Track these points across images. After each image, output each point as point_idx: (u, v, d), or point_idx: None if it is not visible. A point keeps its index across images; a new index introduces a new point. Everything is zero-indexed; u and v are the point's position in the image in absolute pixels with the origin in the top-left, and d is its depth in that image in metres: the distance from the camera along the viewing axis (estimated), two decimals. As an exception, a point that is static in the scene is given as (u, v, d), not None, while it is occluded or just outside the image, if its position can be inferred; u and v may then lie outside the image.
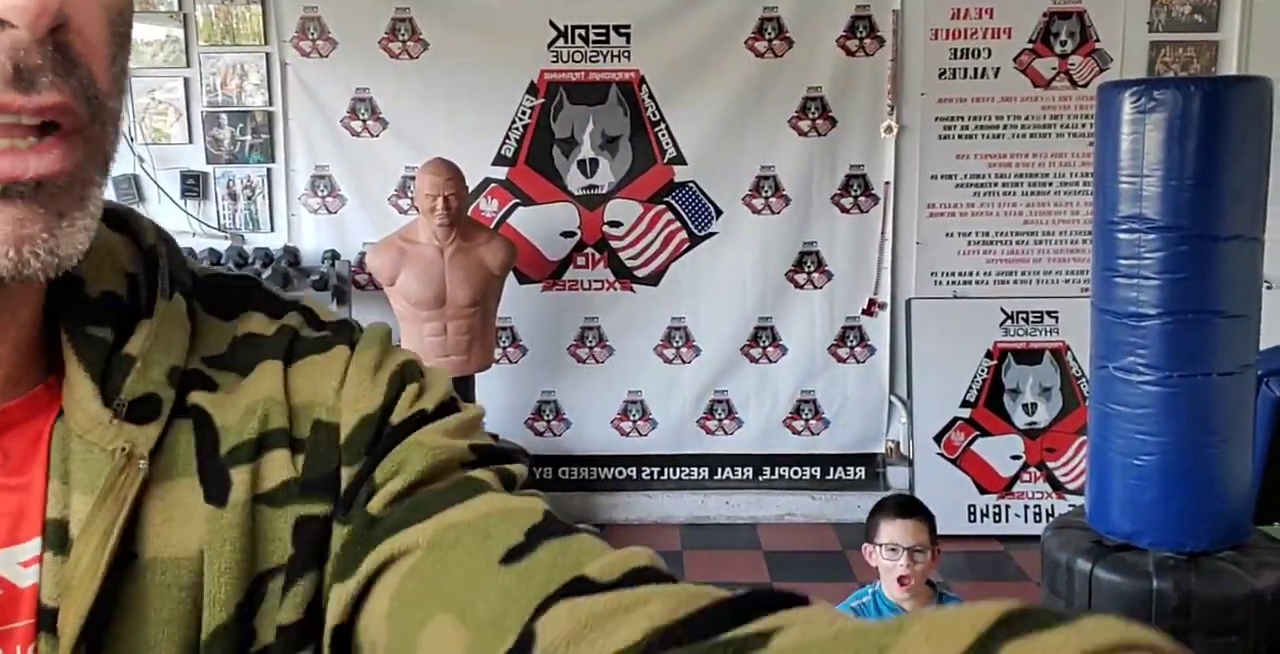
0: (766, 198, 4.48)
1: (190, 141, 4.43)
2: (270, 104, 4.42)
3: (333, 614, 0.57)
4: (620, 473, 4.65)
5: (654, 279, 4.55)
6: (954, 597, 2.77)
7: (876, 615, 2.62)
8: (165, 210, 4.41)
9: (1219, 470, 3.18)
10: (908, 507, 2.77)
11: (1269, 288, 3.27)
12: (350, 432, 0.61)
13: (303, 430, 0.61)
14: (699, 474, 4.65)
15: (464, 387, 4.15)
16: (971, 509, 4.42)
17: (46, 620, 0.53)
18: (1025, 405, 4.44)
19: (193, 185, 4.44)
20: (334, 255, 4.37)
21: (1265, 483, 3.56)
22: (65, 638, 0.52)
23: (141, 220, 0.66)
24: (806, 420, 4.63)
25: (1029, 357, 4.44)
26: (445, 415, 0.64)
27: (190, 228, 4.40)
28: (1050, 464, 4.44)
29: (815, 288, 4.54)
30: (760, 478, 4.62)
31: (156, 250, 0.64)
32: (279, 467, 0.60)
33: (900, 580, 2.60)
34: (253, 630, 0.57)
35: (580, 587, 0.50)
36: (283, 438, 0.61)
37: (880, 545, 2.67)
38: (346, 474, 0.60)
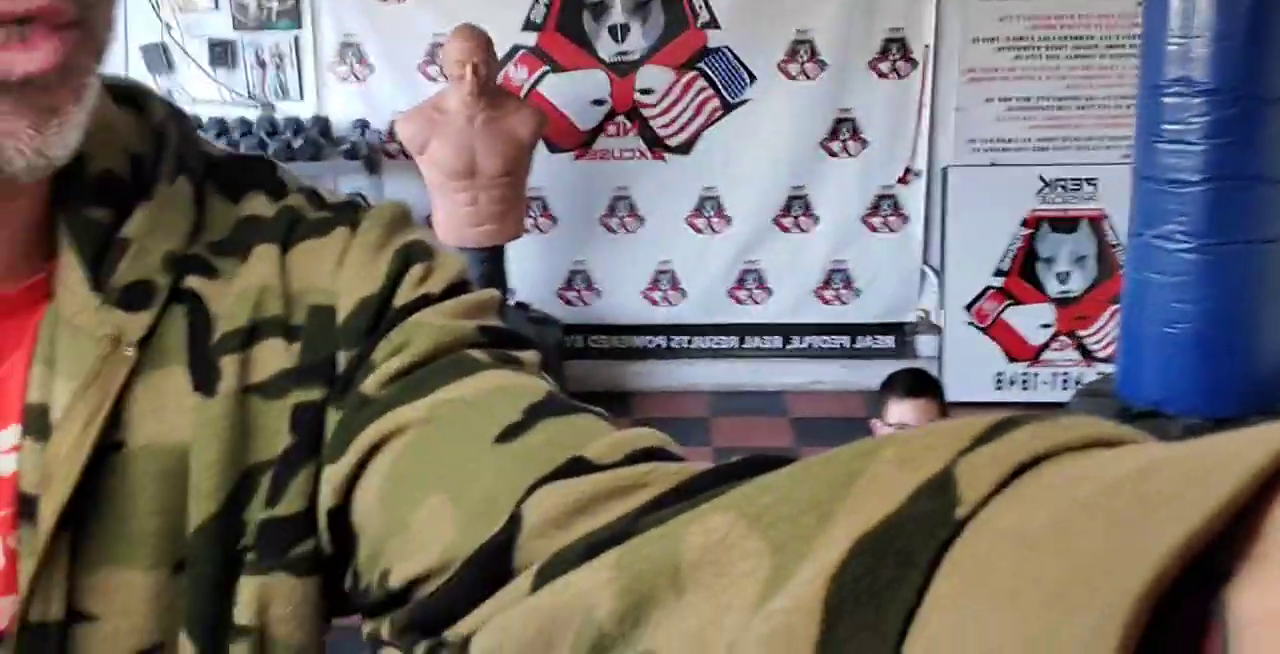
0: (802, 63, 4.38)
1: (216, 8, 4.36)
2: (294, -32, 4.33)
3: (326, 497, 0.55)
4: (650, 342, 4.69)
5: (686, 148, 4.49)
6: None
7: None
8: (195, 79, 4.38)
9: (1253, 338, 3.18)
10: (917, 386, 2.71)
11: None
12: (348, 314, 0.58)
13: (298, 317, 0.58)
14: (728, 343, 4.68)
15: (496, 256, 4.17)
16: (999, 377, 4.45)
17: (26, 509, 0.51)
18: (1059, 274, 4.41)
19: (220, 53, 4.39)
20: (364, 125, 4.34)
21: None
22: (43, 527, 0.50)
23: (151, 96, 0.62)
24: (837, 290, 4.63)
25: (1065, 225, 4.39)
26: (454, 297, 0.60)
27: (221, 96, 4.37)
28: (1081, 333, 4.44)
29: (850, 156, 4.47)
30: (789, 347, 4.65)
31: (165, 129, 0.60)
32: (273, 356, 0.57)
33: None
34: (242, 524, 0.55)
35: (577, 467, 0.46)
36: (278, 326, 0.58)
37: (890, 426, 2.65)
38: (344, 358, 0.57)
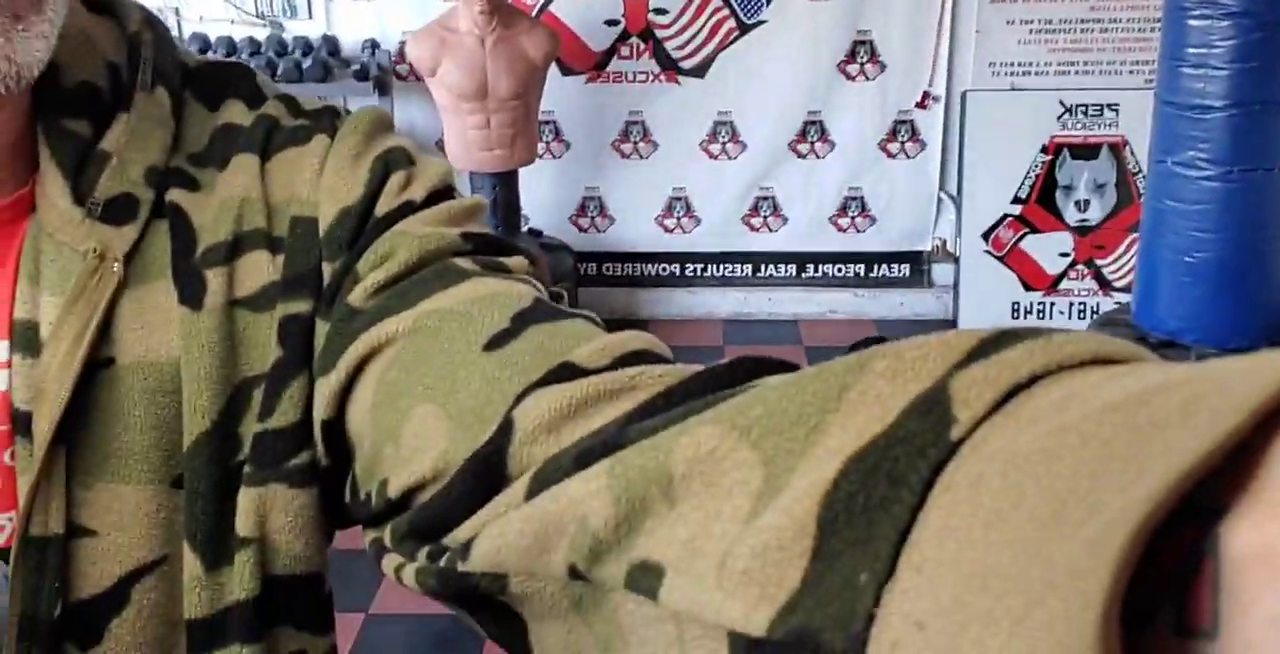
0: (819, -17, 4.29)
1: (220, -76, 4.28)
2: (300, -117, 4.23)
3: (319, 409, 0.55)
4: (664, 269, 4.68)
5: (700, 71, 4.42)
6: None
7: None
8: (199, -1, 4.31)
9: (1272, 268, 3.15)
10: None
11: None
12: (330, 224, 0.58)
13: (281, 229, 0.58)
14: (742, 271, 4.66)
15: (508, 182, 4.13)
16: (1015, 306, 4.42)
17: (20, 425, 0.52)
18: (1078, 202, 4.36)
19: (225, -28, 4.30)
20: (374, 45, 4.27)
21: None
22: (38, 442, 0.51)
23: (127, 5, 0.61)
24: (853, 217, 4.59)
25: (1086, 151, 4.33)
26: (436, 204, 0.60)
27: (228, 15, 4.30)
28: (1099, 262, 4.41)
29: (868, 80, 4.40)
30: (804, 275, 4.63)
31: (140, 37, 0.59)
32: (258, 269, 0.57)
33: None
34: (237, 438, 0.56)
35: (566, 373, 0.46)
36: (260, 239, 0.58)
37: None
38: (328, 269, 0.57)
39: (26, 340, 0.52)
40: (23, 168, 0.55)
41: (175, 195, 0.57)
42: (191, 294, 0.55)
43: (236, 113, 0.61)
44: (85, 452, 0.53)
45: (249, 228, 0.58)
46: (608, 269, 4.69)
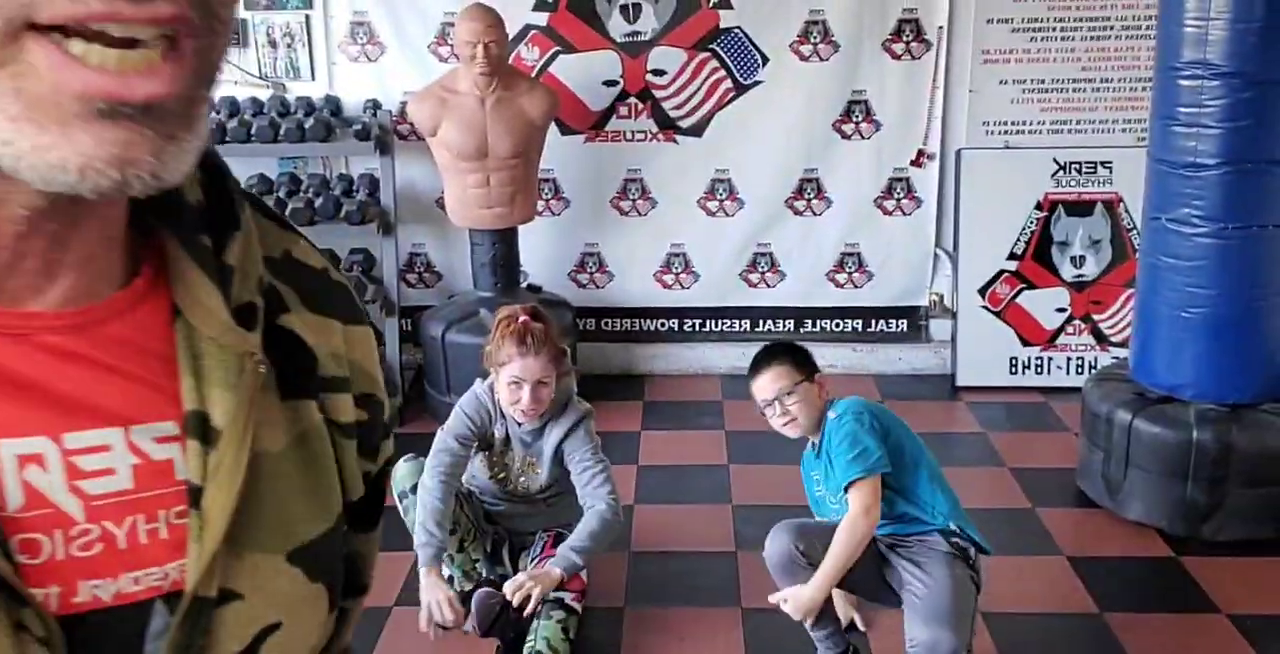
0: (815, 44, 4.35)
1: (226, -12, 4.34)
2: (305, -52, 4.31)
3: None
4: (662, 325, 4.69)
5: (698, 130, 4.47)
6: (837, 417, 2.56)
7: (816, 460, 2.64)
8: (204, 60, 4.36)
9: (1268, 323, 3.16)
10: (758, 361, 2.66)
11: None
12: (389, 415, 0.74)
13: (359, 388, 0.70)
14: (741, 326, 4.68)
15: (508, 239, 4.16)
16: (1013, 361, 4.43)
17: (194, 498, 0.58)
18: (1074, 258, 4.39)
19: (233, 33, 4.36)
20: (375, 105, 4.33)
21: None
22: (214, 518, 0.58)
23: None
24: (850, 273, 4.61)
25: (1080, 208, 4.37)
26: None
27: (232, 76, 4.36)
28: (1096, 317, 4.42)
29: (863, 138, 4.45)
30: (802, 330, 4.64)
31: (215, 155, 0.63)
32: (344, 408, 0.68)
33: (785, 427, 2.60)
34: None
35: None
36: (346, 385, 0.69)
37: (762, 409, 2.62)
38: (383, 447, 0.73)
39: (201, 430, 0.59)
40: (127, 258, 0.60)
41: (283, 318, 0.66)
42: (294, 397, 0.65)
43: (302, 250, 0.70)
44: (241, 526, 0.59)
45: (337, 374, 0.68)
46: (607, 324, 4.70)
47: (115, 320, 0.58)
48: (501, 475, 2.89)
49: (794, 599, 2.48)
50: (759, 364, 2.65)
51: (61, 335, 0.56)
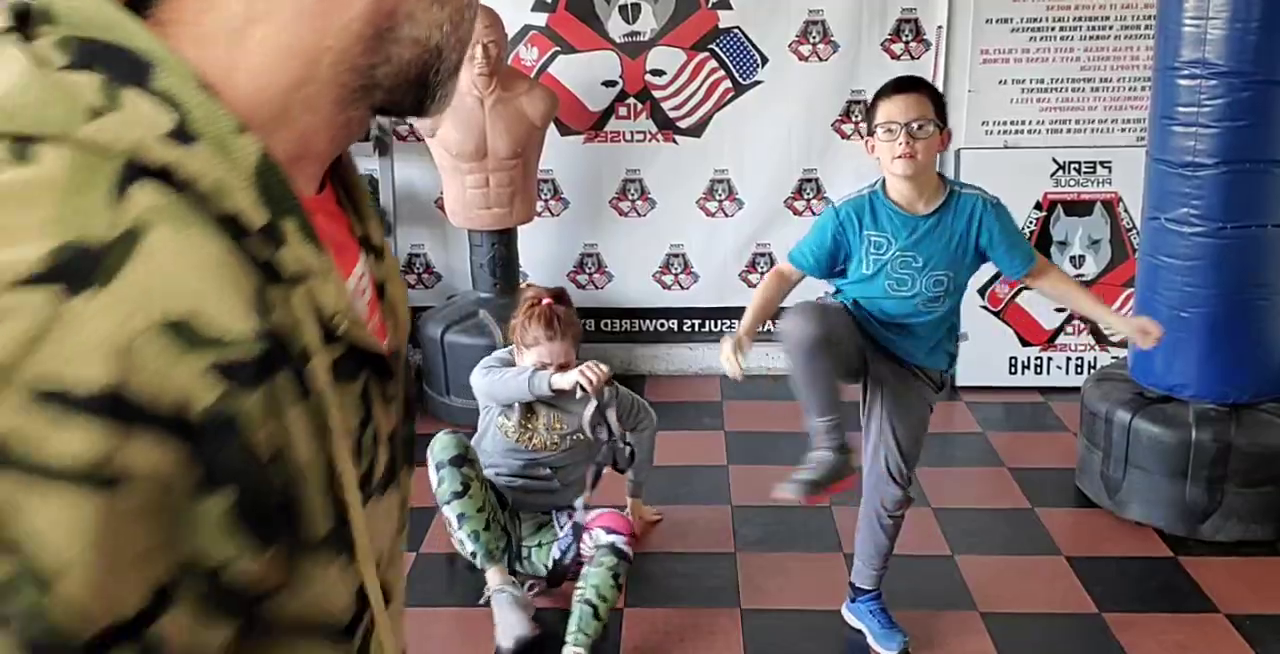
0: (814, 44, 4.36)
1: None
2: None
3: None
4: (662, 325, 4.69)
5: (697, 130, 4.48)
6: (970, 194, 2.53)
7: (870, 217, 2.52)
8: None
9: (1267, 323, 3.16)
10: (901, 84, 2.49)
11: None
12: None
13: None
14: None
15: (506, 240, 4.16)
16: (1013, 361, 4.43)
17: (379, 292, 0.71)
18: (1073, 257, 4.39)
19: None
20: (374, 106, 4.32)
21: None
22: (400, 307, 0.73)
23: None
24: (850, 273, 4.61)
25: (1079, 208, 4.37)
26: None
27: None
28: (1095, 317, 4.42)
29: (862, 138, 4.44)
30: (802, 330, 4.63)
31: None
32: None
33: (899, 158, 2.40)
34: None
35: None
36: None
37: (877, 127, 2.43)
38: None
39: (369, 249, 0.70)
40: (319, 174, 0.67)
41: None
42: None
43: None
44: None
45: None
46: (606, 325, 4.70)
47: (317, 214, 0.66)
48: (529, 434, 2.96)
49: (1152, 325, 2.51)
50: (902, 86, 2.49)
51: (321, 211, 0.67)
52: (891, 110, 2.43)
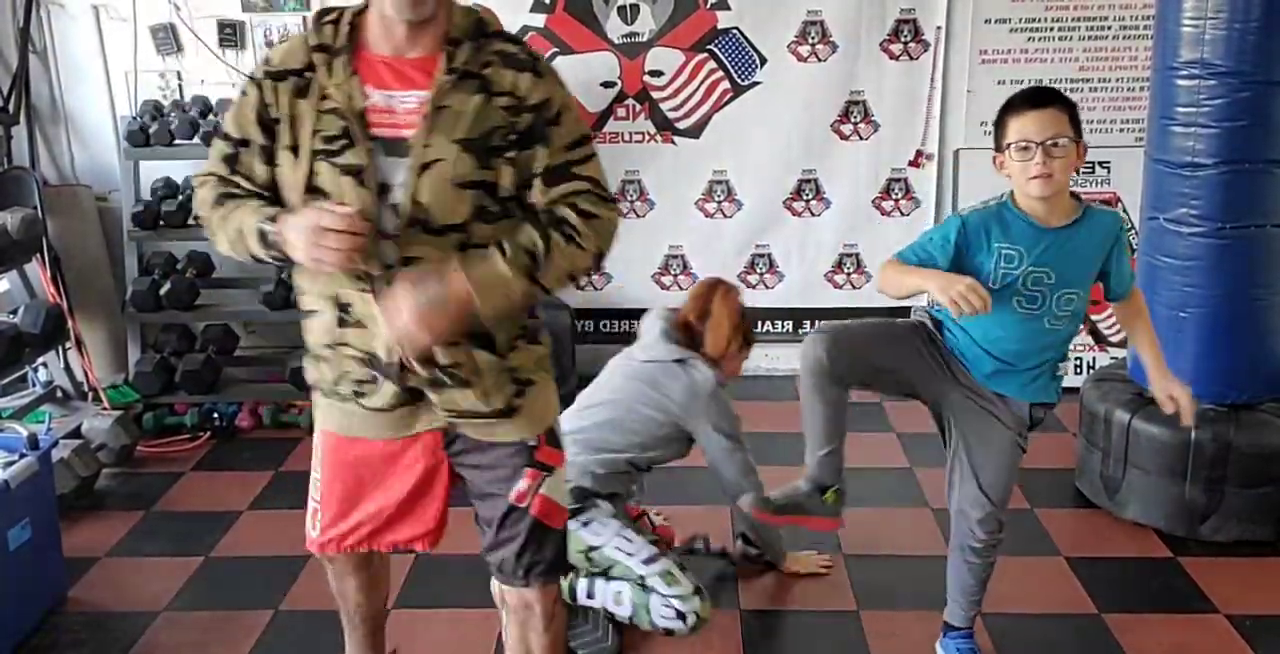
0: (813, 45, 4.36)
1: (224, -11, 4.37)
2: (302, -51, 4.32)
3: None
4: (662, 325, 4.67)
5: (695, 131, 4.48)
6: (1105, 211, 2.42)
7: (1000, 228, 2.34)
8: (203, 60, 4.37)
9: (1266, 323, 3.16)
10: (1035, 97, 2.28)
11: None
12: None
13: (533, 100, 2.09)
14: (740, 327, 4.66)
15: (506, 240, 4.15)
16: (1012, 362, 4.42)
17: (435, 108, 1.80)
18: (1071, 258, 4.38)
19: (230, 34, 4.37)
20: (373, 107, 4.33)
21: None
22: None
23: None
24: (848, 274, 4.62)
25: (1078, 209, 4.36)
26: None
27: (229, 78, 4.36)
28: (1094, 317, 4.42)
29: (861, 139, 4.45)
30: (800, 332, 4.64)
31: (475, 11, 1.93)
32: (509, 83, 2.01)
33: (1034, 178, 2.21)
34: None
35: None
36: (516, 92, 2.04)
37: (1009, 146, 2.25)
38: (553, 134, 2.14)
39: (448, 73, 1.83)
40: (436, 41, 1.82)
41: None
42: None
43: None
44: (438, 119, 1.86)
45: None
46: (605, 326, 4.70)
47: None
48: None
49: (1183, 396, 2.45)
50: (1038, 99, 2.27)
51: (411, 66, 1.81)
52: (1026, 127, 2.23)
